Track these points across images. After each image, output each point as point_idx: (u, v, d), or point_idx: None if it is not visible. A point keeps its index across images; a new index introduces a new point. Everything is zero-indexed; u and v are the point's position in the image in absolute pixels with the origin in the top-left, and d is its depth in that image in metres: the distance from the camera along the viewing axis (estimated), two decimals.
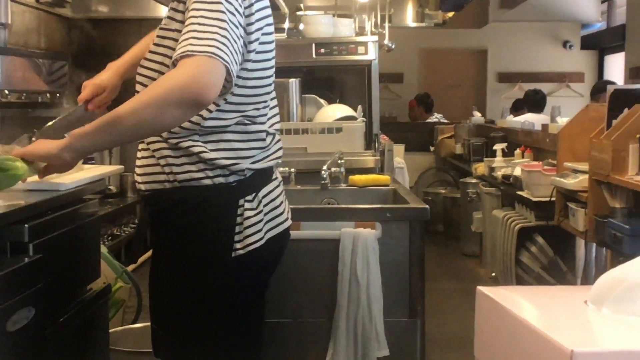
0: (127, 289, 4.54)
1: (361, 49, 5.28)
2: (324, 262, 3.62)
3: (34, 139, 3.05)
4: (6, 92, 5.31)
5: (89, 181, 3.22)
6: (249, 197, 2.61)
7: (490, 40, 13.90)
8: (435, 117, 12.33)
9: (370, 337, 3.56)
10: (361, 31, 5.61)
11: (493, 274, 7.27)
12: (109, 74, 3.03)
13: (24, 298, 2.61)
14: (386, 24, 6.20)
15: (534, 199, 5.84)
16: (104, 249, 4.22)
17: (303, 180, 4.51)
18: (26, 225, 2.71)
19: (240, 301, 2.64)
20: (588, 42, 13.63)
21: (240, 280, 2.62)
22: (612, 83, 9.08)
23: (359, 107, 5.32)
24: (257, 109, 2.63)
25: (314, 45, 5.25)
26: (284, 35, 5.39)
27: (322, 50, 5.25)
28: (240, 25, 2.47)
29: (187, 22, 2.42)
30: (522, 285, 5.96)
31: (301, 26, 5.50)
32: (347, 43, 5.29)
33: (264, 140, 2.66)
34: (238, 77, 2.51)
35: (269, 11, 2.66)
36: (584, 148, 4.88)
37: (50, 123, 3.09)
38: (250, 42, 2.54)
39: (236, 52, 2.42)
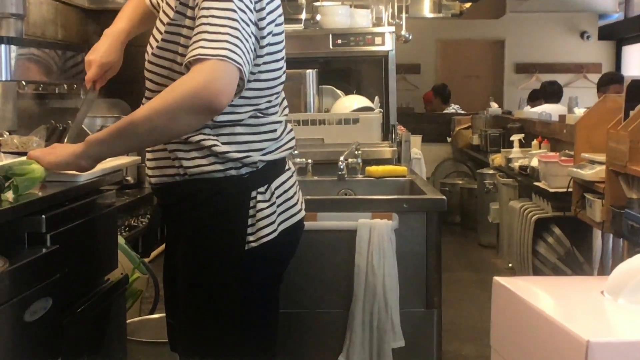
0: (144, 280, 4.55)
1: (378, 40, 5.27)
2: (341, 253, 3.62)
3: (66, 140, 3.07)
4: (23, 83, 5.33)
5: (106, 172, 3.22)
6: (262, 189, 2.58)
7: (508, 30, 13.87)
8: (453, 108, 12.32)
9: (386, 328, 3.57)
10: (378, 22, 5.60)
11: (510, 265, 7.26)
12: (108, 46, 2.97)
13: (42, 288, 2.62)
14: (403, 15, 6.18)
15: (551, 190, 5.83)
16: (121, 240, 4.23)
17: (320, 171, 4.51)
18: (43, 216, 2.72)
19: (254, 294, 2.62)
20: (605, 33, 13.59)
21: (254, 274, 2.60)
22: (620, 75, 9.06)
23: (376, 98, 5.32)
24: (270, 101, 2.61)
25: (331, 36, 5.25)
26: (300, 26, 5.39)
27: (339, 41, 5.25)
28: (252, 22, 2.44)
29: (197, 22, 2.40)
30: (539, 275, 5.95)
31: (318, 17, 5.49)
32: (364, 34, 5.28)
33: (275, 131, 2.62)
34: (251, 73, 2.49)
35: (278, 1, 2.63)
36: (601, 139, 4.86)
37: (73, 123, 3.11)
38: (263, 37, 2.51)
39: (248, 51, 2.40)
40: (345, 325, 3.62)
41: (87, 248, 3.19)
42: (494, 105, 10.73)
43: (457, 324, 5.64)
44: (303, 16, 5.55)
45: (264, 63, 2.55)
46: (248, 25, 2.41)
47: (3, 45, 4.09)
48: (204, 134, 2.52)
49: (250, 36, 2.42)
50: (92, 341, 3.25)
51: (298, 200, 2.74)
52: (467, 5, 11.86)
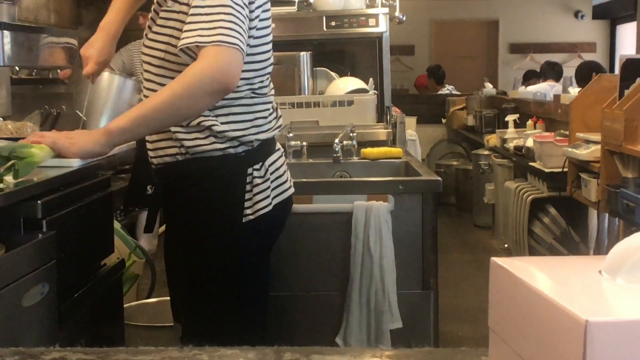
0: (140, 264, 4.56)
1: (372, 22, 5.25)
2: (337, 235, 3.62)
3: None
4: (16, 68, 5.31)
5: (101, 157, 3.22)
6: (257, 166, 2.73)
7: (502, 10, 13.86)
8: (447, 89, 12.32)
9: (383, 310, 3.57)
10: (372, 3, 5.57)
11: (506, 245, 7.28)
12: (104, 43, 3.12)
13: (39, 274, 2.63)
14: None
15: (546, 170, 5.84)
16: (117, 225, 4.23)
17: (315, 154, 4.50)
18: (39, 202, 2.72)
19: (249, 264, 2.78)
20: (599, 12, 13.57)
21: (250, 244, 2.76)
22: (598, 64, 9.07)
23: (370, 79, 5.30)
24: (262, 81, 2.76)
25: (324, 18, 5.22)
26: (294, 8, 5.37)
27: (333, 23, 5.23)
28: (245, 4, 2.57)
29: (192, 10, 2.52)
30: (535, 256, 5.95)
31: None
32: (358, 15, 5.26)
33: (268, 110, 2.79)
34: (248, 54, 2.62)
35: None
36: (596, 118, 4.86)
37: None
38: (252, 20, 2.64)
39: (244, 31, 2.55)
40: (342, 307, 3.62)
41: (83, 233, 3.19)
42: (489, 86, 10.72)
43: (453, 304, 5.64)
44: None
45: (256, 45, 2.70)
46: (243, 8, 2.55)
47: None
48: (204, 115, 2.64)
49: (245, 18, 2.56)
50: (90, 326, 3.25)
51: (287, 178, 2.91)
52: None
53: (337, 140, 4.32)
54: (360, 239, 3.56)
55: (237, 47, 2.49)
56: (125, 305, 3.87)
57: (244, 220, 2.70)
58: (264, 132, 2.76)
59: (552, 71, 9.82)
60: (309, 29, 5.24)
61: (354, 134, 4.43)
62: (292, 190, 2.92)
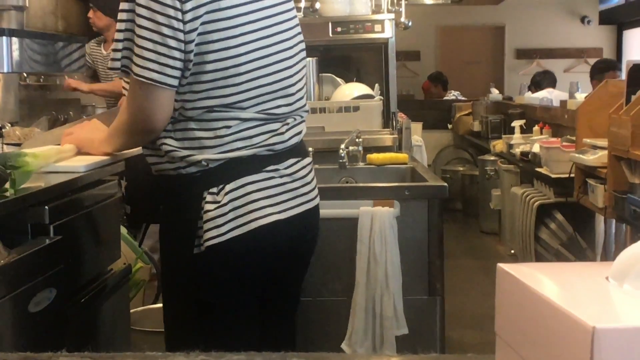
0: (147, 269, 4.56)
1: (378, 27, 5.25)
2: (343, 240, 3.63)
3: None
4: (24, 75, 5.33)
5: (108, 162, 3.22)
6: (214, 190, 2.41)
7: (508, 16, 13.84)
8: (453, 95, 12.31)
9: (389, 316, 3.57)
10: (377, 9, 5.57)
11: (512, 251, 7.27)
12: None
13: (46, 279, 2.63)
14: (402, 2, 6.16)
15: (553, 176, 5.83)
16: (123, 230, 4.24)
17: (321, 159, 4.50)
18: (46, 207, 2.72)
19: (214, 299, 2.50)
20: (606, 17, 13.54)
21: (208, 278, 2.47)
22: (615, 61, 9.06)
23: (376, 85, 5.31)
24: (228, 95, 2.40)
25: (330, 24, 5.23)
26: (300, 14, 5.37)
27: (339, 29, 5.23)
28: (170, 22, 2.31)
29: (118, 25, 2.41)
30: (542, 262, 5.95)
31: (317, 5, 5.48)
32: (364, 21, 5.26)
33: (229, 127, 2.42)
34: (195, 63, 2.36)
35: None
36: (603, 124, 4.86)
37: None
38: (189, 32, 2.33)
39: (166, 56, 2.32)
40: (347, 313, 3.62)
41: (90, 238, 3.20)
42: (495, 91, 10.72)
43: (459, 311, 5.64)
44: (302, 4, 5.52)
45: (203, 53, 2.36)
46: (170, 25, 2.31)
47: (4, 37, 4.09)
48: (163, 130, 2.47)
49: (168, 41, 2.33)
50: (96, 331, 3.26)
51: (270, 204, 2.47)
52: None
53: (343, 146, 4.32)
54: (366, 244, 3.56)
55: (158, 84, 2.33)
56: (131, 311, 3.87)
57: (195, 251, 2.42)
58: (230, 151, 2.41)
59: (548, 79, 9.83)
60: (314, 35, 5.24)
61: (360, 140, 4.44)
62: (271, 218, 2.46)
